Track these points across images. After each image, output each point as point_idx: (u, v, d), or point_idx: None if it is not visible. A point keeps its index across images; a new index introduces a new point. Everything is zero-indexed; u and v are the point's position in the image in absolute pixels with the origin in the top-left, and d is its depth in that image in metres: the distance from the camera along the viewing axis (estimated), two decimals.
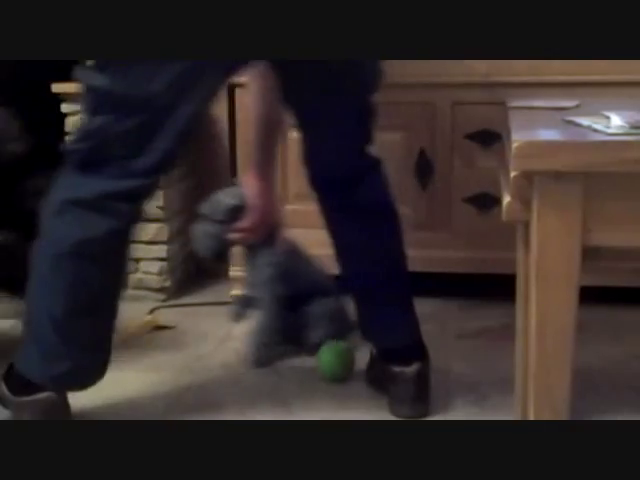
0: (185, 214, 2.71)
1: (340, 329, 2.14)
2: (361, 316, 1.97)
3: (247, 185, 2.11)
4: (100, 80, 1.61)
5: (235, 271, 2.53)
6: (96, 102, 1.64)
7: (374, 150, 1.91)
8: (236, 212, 2.05)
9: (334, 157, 1.87)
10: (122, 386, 2.00)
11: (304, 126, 1.89)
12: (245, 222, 2.07)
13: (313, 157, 1.90)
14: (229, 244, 2.12)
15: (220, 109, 2.67)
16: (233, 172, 2.67)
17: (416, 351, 1.90)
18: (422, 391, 1.86)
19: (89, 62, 1.66)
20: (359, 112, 1.85)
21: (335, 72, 1.71)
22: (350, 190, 1.87)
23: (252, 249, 2.13)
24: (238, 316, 2.21)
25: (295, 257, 2.17)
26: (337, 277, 2.07)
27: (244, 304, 2.21)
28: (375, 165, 1.91)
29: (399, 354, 1.89)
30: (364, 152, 1.89)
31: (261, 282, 2.11)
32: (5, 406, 1.80)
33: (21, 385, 1.75)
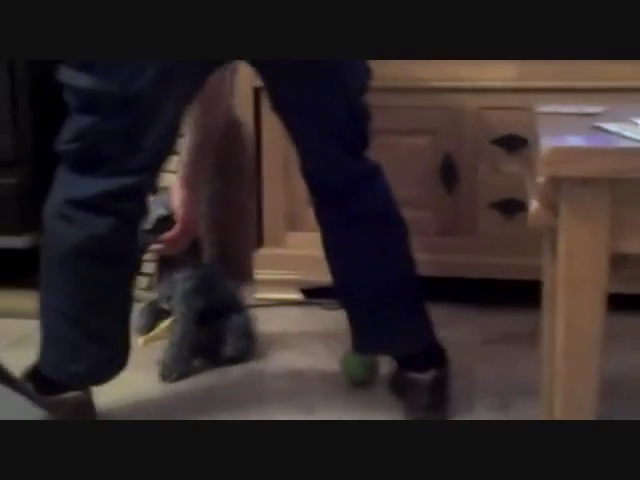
0: (208, 219, 2.70)
1: (250, 344, 2.16)
2: (370, 327, 1.91)
3: (173, 193, 2.09)
4: (85, 80, 1.61)
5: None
6: (83, 101, 1.64)
7: (371, 154, 1.86)
8: (163, 222, 2.04)
9: (328, 164, 1.82)
10: (139, 386, 2.01)
11: (295, 135, 1.85)
12: (171, 232, 2.05)
13: (307, 167, 1.87)
14: (145, 253, 2.12)
15: (246, 113, 2.67)
16: (258, 177, 2.66)
17: (432, 357, 1.87)
18: (437, 398, 1.84)
19: (72, 61, 1.65)
20: (350, 115, 1.79)
21: (323, 72, 1.68)
22: (348, 199, 1.82)
23: (170, 261, 2.12)
24: (143, 329, 2.23)
25: (211, 270, 2.20)
26: (332, 290, 2.01)
27: (153, 315, 2.22)
28: (373, 171, 1.85)
29: (414, 361, 1.86)
30: (360, 157, 1.84)
31: (179, 295, 2.09)
32: (38, 406, 1.81)
33: (46, 385, 1.76)
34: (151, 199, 1.92)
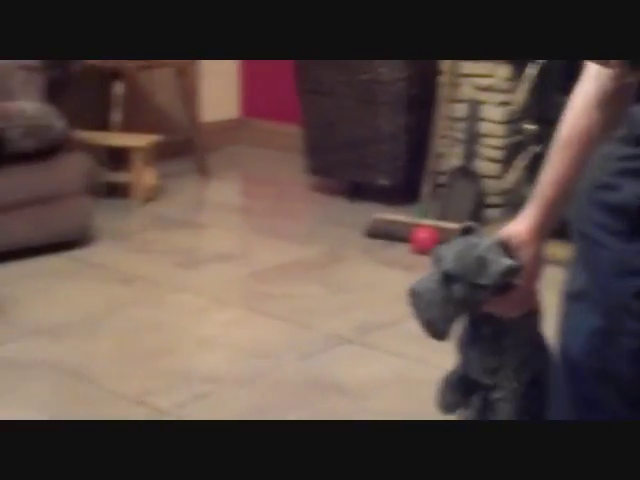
0: None
1: None
2: None
3: (519, 238, 1.59)
4: None
5: None
6: None
7: None
8: (509, 276, 1.57)
9: None
10: None
11: None
12: (514, 291, 1.60)
13: None
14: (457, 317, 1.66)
15: None
16: None
17: None
18: None
19: None
20: None
21: None
22: None
23: (500, 325, 1.69)
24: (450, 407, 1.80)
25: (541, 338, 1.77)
26: None
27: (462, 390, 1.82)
28: None
29: None
30: None
31: (511, 367, 1.70)
32: None
33: None
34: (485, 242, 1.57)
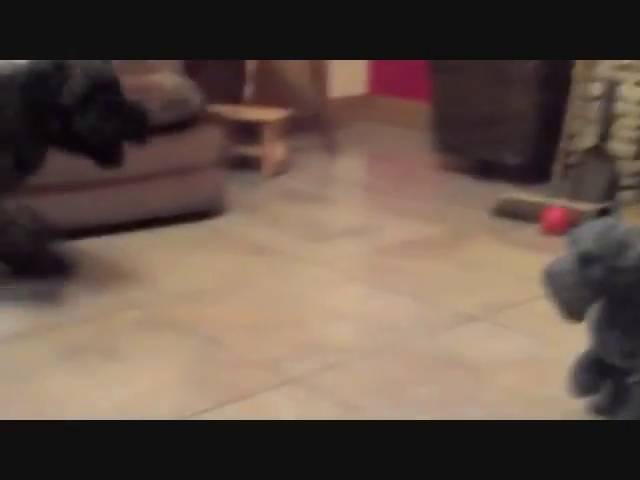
0: None
1: None
2: None
3: None
4: None
5: None
6: None
7: None
8: None
9: None
10: None
11: None
12: None
13: None
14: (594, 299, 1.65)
15: None
16: None
17: None
18: None
19: None
20: None
21: None
22: None
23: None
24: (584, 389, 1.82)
25: None
26: None
27: (590, 371, 1.81)
28: None
29: None
30: None
31: None
32: None
33: None
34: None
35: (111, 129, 2.49)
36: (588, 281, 1.60)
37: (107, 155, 2.57)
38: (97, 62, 2.47)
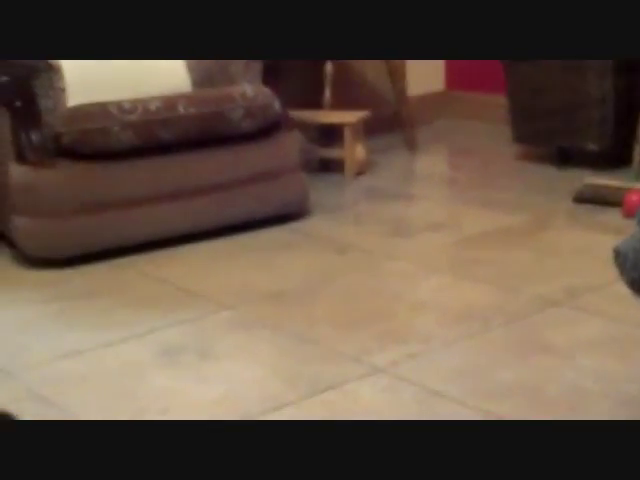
0: None
1: None
2: None
3: None
4: None
5: None
6: None
7: None
8: None
9: None
10: None
11: None
12: None
13: None
14: None
15: None
16: None
17: None
18: None
19: None
20: None
21: None
22: None
23: None
24: None
25: None
26: None
27: None
28: None
29: None
30: None
31: None
32: None
33: None
34: None
35: None
36: None
37: None
38: None
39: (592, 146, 3.67)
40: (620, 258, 1.69)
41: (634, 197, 3.01)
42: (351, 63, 4.30)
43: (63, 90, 2.95)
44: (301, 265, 2.91)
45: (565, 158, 3.81)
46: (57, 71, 2.94)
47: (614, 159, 3.62)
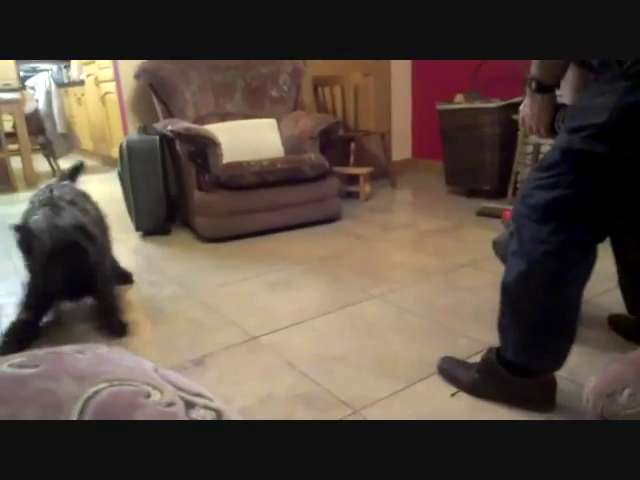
0: None
1: None
2: None
3: None
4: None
5: None
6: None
7: None
8: None
9: None
10: None
11: None
12: None
13: None
14: None
15: None
16: None
17: None
18: None
19: None
20: None
21: None
22: None
23: None
24: None
25: None
26: None
27: None
28: None
29: None
30: None
31: None
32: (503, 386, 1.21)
33: (512, 367, 1.20)
34: None
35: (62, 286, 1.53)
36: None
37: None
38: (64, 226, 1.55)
39: (486, 186, 3.59)
40: (495, 245, 1.75)
41: (507, 213, 2.99)
42: (363, 143, 4.20)
43: (221, 155, 2.85)
44: (336, 244, 2.79)
45: (472, 193, 3.74)
46: (218, 144, 2.83)
47: (498, 193, 3.54)
